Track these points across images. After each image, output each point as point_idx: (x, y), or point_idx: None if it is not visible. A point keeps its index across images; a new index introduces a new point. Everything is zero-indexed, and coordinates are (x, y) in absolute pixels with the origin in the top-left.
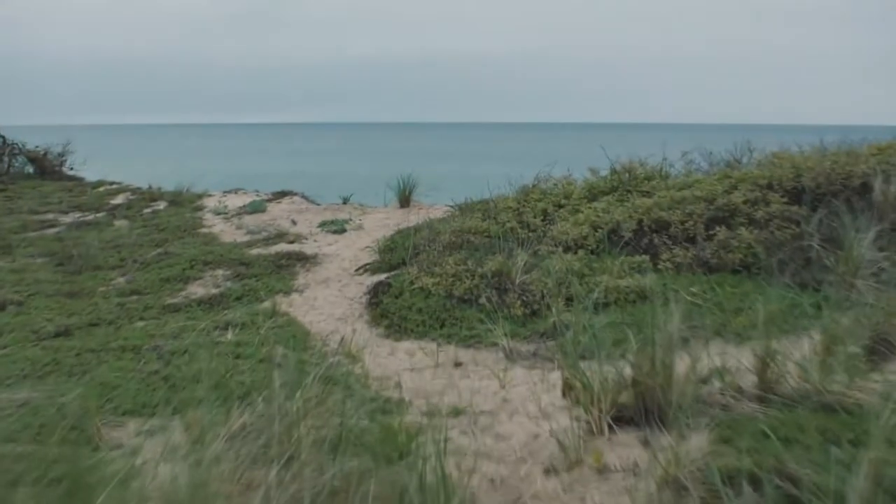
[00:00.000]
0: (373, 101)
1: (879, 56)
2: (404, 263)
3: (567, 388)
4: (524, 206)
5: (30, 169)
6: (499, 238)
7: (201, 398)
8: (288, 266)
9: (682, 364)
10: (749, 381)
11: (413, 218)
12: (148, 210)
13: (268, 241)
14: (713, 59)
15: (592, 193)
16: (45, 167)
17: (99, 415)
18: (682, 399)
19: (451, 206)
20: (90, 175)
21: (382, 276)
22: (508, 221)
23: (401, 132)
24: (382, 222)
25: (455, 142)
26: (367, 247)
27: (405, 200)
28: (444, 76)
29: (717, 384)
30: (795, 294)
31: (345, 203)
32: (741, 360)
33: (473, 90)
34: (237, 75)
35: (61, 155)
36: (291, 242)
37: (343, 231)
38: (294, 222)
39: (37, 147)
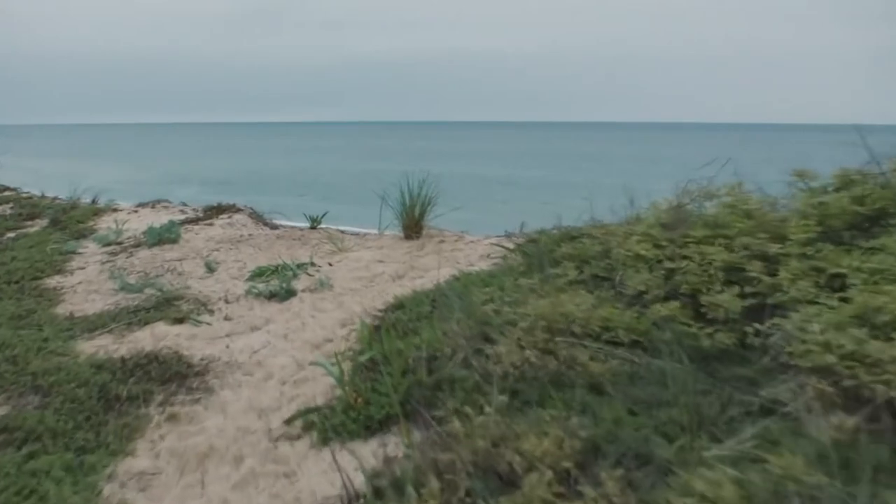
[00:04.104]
0: (372, 100)
1: (885, 54)
2: (403, 417)
3: None
4: (677, 253)
5: None
6: (654, 349)
7: None
8: (136, 400)
9: None
10: None
11: (427, 263)
12: (12, 234)
13: (138, 313)
14: (715, 58)
15: (830, 228)
16: None
17: None
18: None
19: (504, 247)
20: (9, 179)
21: (349, 449)
22: (653, 296)
23: (401, 132)
24: (369, 270)
25: (463, 141)
26: (323, 343)
27: (413, 226)
28: (446, 75)
29: None
30: None
31: (313, 228)
32: None
33: (475, 89)
34: (237, 75)
35: None
36: (179, 321)
37: (290, 294)
38: (211, 267)
39: None
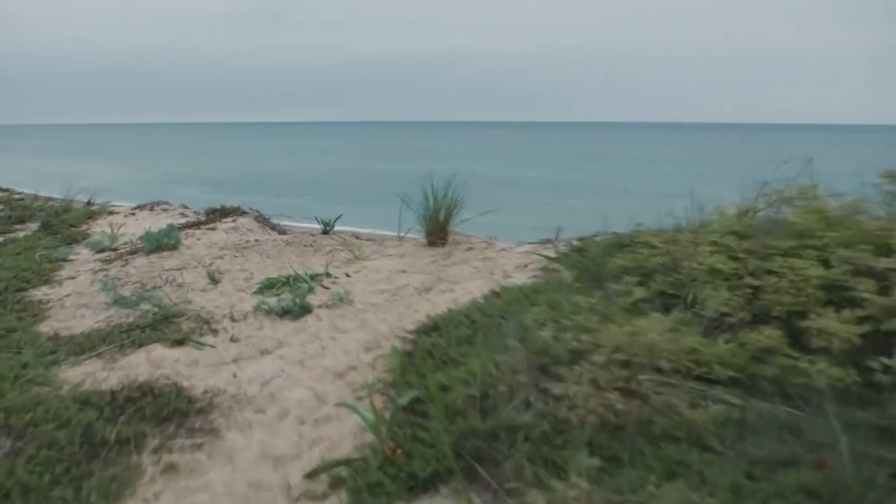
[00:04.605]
0: (372, 100)
1: (885, 54)
2: (461, 478)
3: None
4: (760, 267)
5: None
6: (755, 388)
7: None
8: (127, 445)
9: None
10: None
11: (456, 273)
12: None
13: (132, 333)
14: (715, 58)
15: None
16: None
17: None
18: None
19: (544, 256)
20: (7, 179)
21: None
22: (738, 319)
23: (401, 132)
24: (391, 282)
25: (463, 141)
26: (346, 371)
27: (438, 231)
28: (446, 75)
29: None
30: None
31: (325, 232)
32: None
33: (475, 89)
34: (237, 75)
35: None
36: (179, 342)
37: (304, 311)
38: (215, 278)
39: None
